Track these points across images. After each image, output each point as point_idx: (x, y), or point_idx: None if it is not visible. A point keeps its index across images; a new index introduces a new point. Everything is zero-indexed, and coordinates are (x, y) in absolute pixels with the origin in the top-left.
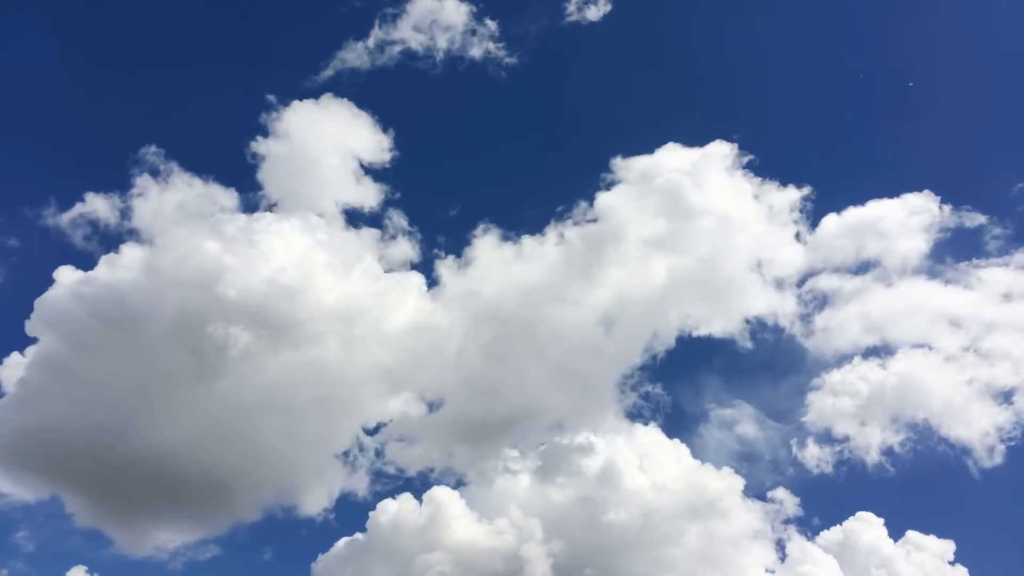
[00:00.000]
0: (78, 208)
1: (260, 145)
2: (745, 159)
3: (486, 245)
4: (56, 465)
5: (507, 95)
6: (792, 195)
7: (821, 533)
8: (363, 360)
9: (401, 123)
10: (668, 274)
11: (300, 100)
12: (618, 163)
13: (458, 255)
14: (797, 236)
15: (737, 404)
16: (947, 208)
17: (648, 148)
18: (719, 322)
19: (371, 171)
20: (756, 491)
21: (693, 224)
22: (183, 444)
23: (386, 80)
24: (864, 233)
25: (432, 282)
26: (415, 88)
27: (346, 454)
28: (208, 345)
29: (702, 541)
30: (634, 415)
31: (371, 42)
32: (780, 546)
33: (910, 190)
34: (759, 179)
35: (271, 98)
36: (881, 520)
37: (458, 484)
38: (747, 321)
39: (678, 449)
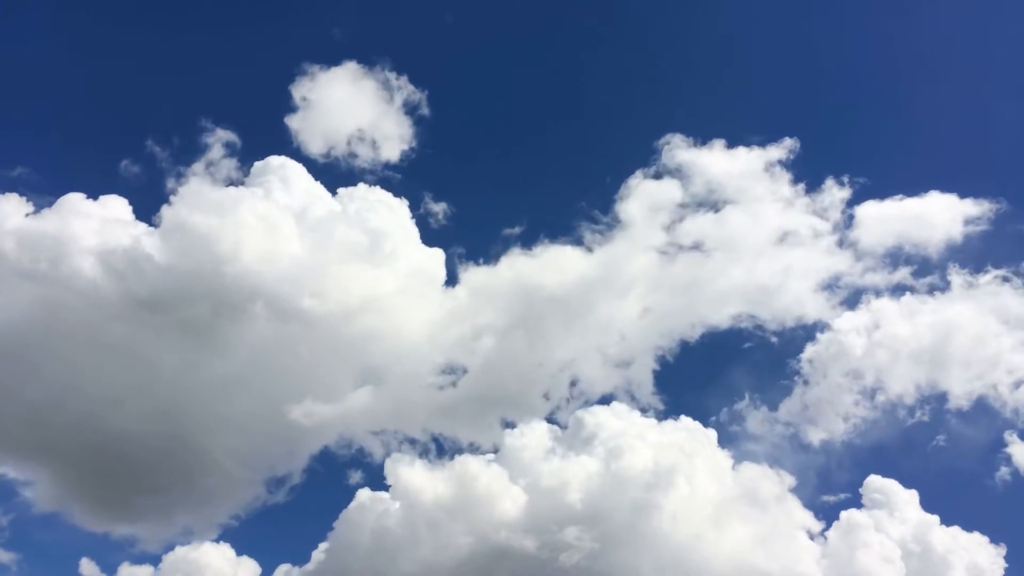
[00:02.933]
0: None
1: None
2: (794, 158)
3: (517, 237)
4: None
5: (550, 79)
6: (838, 194)
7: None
8: (387, 333)
9: (433, 94)
10: (705, 270)
11: (331, 66)
12: (659, 157)
13: (486, 248)
14: (841, 237)
15: (769, 399)
16: (1004, 211)
17: (693, 144)
18: (754, 320)
19: (398, 155)
20: (799, 486)
21: (731, 222)
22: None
23: (417, 48)
24: (912, 234)
25: (461, 265)
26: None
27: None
28: (222, 321)
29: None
30: (666, 408)
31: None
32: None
33: (965, 191)
34: (805, 179)
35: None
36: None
37: (483, 453)
38: (787, 320)
39: (710, 441)
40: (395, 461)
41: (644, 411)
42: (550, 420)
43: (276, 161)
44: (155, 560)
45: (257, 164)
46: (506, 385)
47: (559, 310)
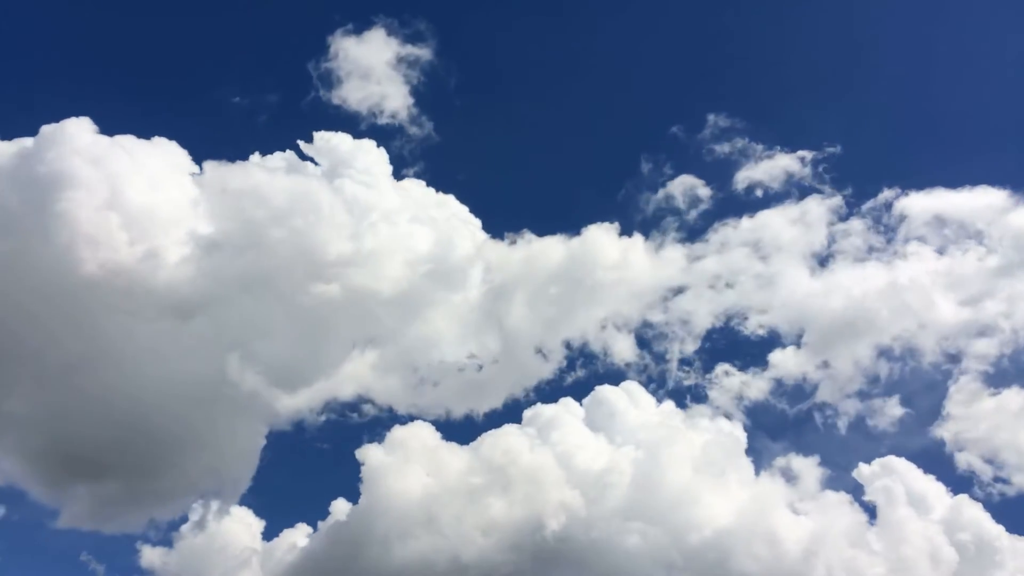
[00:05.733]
0: None
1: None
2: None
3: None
4: None
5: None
6: (882, 197)
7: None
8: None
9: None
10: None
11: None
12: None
13: (511, 225)
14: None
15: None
16: None
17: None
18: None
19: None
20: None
21: (770, 223)
22: None
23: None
24: (953, 225)
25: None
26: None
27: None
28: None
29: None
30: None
31: None
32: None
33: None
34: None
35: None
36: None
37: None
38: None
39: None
40: (406, 431)
41: (666, 399)
42: (575, 398)
43: (342, 142)
44: (167, 542)
45: (318, 140)
46: (523, 363)
47: (584, 291)
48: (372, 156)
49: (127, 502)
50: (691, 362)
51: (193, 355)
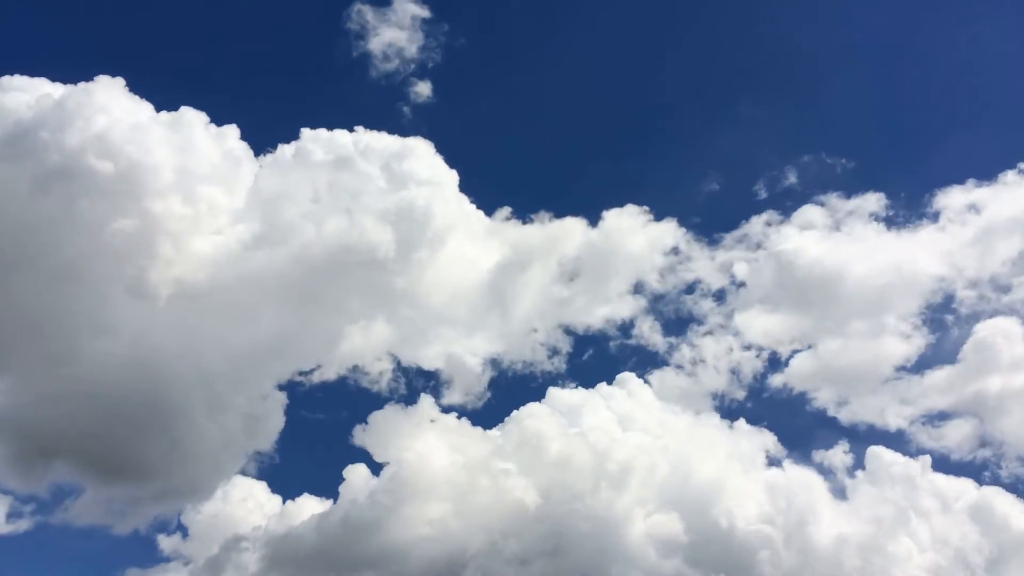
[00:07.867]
0: None
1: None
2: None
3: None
4: None
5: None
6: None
7: None
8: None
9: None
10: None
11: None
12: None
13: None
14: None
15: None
16: None
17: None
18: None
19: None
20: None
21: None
22: None
23: None
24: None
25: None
26: None
27: None
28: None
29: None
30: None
31: None
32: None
33: None
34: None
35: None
36: None
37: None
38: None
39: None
40: (416, 414)
41: (683, 390)
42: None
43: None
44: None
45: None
46: (535, 348)
47: (600, 276)
48: (420, 153)
49: (144, 498)
50: (712, 353)
51: (201, 339)
